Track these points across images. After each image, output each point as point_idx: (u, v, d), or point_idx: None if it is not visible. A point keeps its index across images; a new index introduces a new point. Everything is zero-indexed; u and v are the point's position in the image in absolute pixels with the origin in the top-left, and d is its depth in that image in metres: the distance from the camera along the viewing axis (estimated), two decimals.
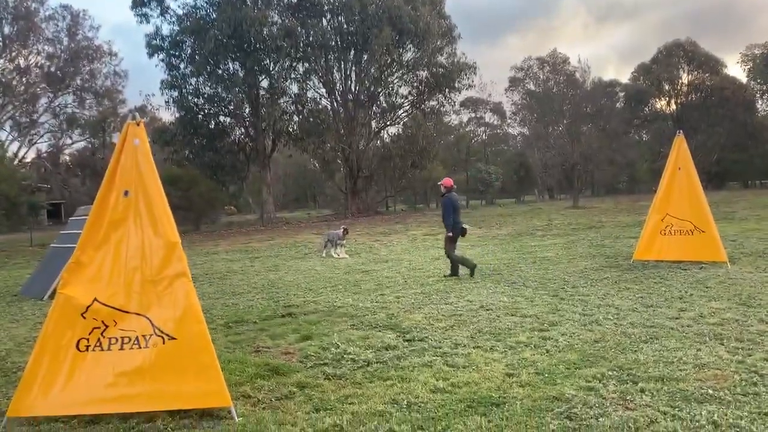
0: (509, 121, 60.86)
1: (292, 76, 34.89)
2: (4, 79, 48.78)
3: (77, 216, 11.93)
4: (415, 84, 38.21)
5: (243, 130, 37.10)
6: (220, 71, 33.77)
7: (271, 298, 9.71)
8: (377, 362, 5.66)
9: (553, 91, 52.82)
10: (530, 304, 8.03)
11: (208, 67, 32.91)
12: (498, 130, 63.15)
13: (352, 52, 35.93)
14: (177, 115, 34.75)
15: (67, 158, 59.70)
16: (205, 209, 30.89)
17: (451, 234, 10.97)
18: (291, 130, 36.84)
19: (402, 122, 39.98)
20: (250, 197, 40.63)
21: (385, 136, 41.86)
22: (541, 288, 9.27)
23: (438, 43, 36.37)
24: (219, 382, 4.47)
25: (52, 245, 12.11)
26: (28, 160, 54.53)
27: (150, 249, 4.79)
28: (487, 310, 7.82)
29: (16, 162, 51.79)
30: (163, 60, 34.66)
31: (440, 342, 6.30)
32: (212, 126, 35.70)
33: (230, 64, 34.14)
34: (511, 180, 53.93)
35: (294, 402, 4.71)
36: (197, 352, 4.57)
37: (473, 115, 58.85)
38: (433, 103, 39.47)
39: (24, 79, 48.62)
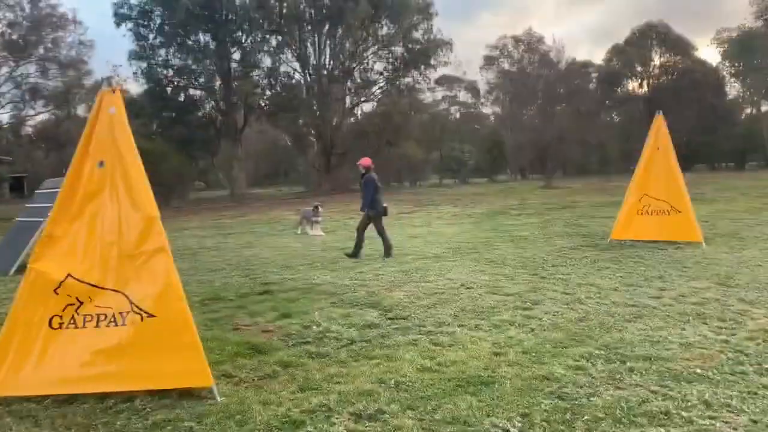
0: (483, 100, 60.93)
1: (265, 48, 34.26)
2: None
3: (44, 189, 11.51)
4: (391, 60, 37.87)
5: (214, 104, 36.42)
6: (190, 42, 33.00)
7: (247, 275, 9.52)
8: (361, 341, 5.55)
9: (527, 71, 52.88)
10: (511, 283, 7.99)
11: (177, 38, 32.11)
12: (472, 109, 63.16)
13: (327, 25, 35.33)
14: (145, 86, 33.87)
15: (30, 130, 57.80)
16: (174, 184, 30.32)
17: (371, 213, 10.81)
18: (263, 104, 36.24)
19: (377, 99, 39.70)
20: (220, 173, 39.93)
21: (360, 112, 41.57)
22: (520, 267, 9.25)
23: (414, 18, 36.01)
24: (200, 360, 4.29)
25: (17, 219, 11.70)
26: None
27: (127, 223, 4.56)
28: (469, 288, 7.76)
29: None
30: (131, 30, 33.67)
31: (424, 320, 6.21)
32: (182, 99, 34.95)
33: (201, 36, 33.37)
34: (485, 159, 54.07)
35: (278, 381, 4.58)
36: (177, 329, 4.38)
37: (448, 93, 58.72)
38: (408, 79, 39.25)
39: None
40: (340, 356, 5.12)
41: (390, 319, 6.35)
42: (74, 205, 4.63)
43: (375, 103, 40.08)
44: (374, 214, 10.81)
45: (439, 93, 56.74)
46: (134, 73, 33.48)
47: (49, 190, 11.29)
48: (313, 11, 34.86)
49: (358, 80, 38.15)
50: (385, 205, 11.07)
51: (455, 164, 49.87)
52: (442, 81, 53.03)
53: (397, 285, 8.15)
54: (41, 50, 50.26)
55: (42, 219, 10.87)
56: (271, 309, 7.05)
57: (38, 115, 55.38)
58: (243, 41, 33.20)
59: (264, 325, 6.36)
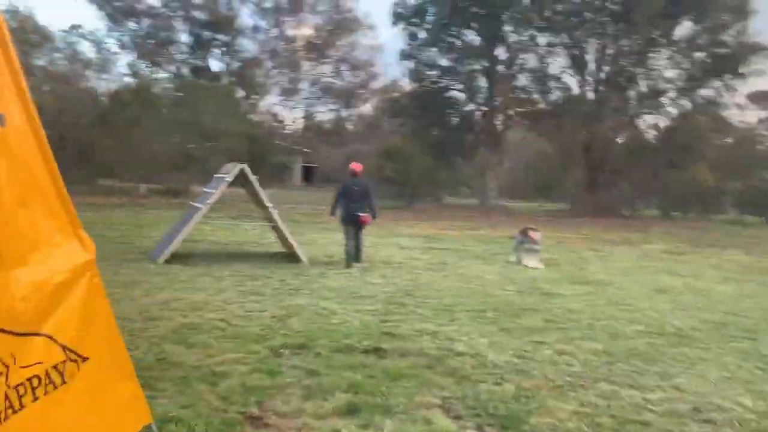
0: None
1: (533, 48, 31.12)
2: (278, 48, 52.82)
3: (218, 174, 10.49)
4: (686, 67, 31.52)
5: (474, 107, 34.50)
6: (456, 41, 31.51)
7: (383, 313, 6.98)
8: None
9: None
10: None
11: (443, 35, 30.86)
12: None
13: (609, 23, 30.69)
14: (411, 86, 33.50)
15: (323, 125, 62.93)
16: (420, 186, 29.06)
17: (335, 220, 10.75)
18: (527, 109, 33.21)
19: (664, 111, 33.61)
20: (474, 180, 38.04)
21: (642, 126, 35.77)
22: None
23: (724, 17, 29.33)
24: None
25: (190, 203, 10.92)
26: (288, 123, 58.94)
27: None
28: (709, 422, 4.16)
29: (278, 124, 56.39)
30: (404, 29, 33.51)
31: None
32: (442, 100, 33.74)
33: (467, 34, 31.68)
34: None
35: None
36: None
37: (764, 114, 48.25)
38: (707, 91, 32.38)
39: (289, 47, 52.02)
40: None
41: None
42: None
43: (660, 117, 34.04)
44: (340, 220, 10.54)
45: (752, 112, 46.82)
46: (402, 73, 33.37)
47: (221, 175, 10.21)
48: (594, 6, 30.49)
49: (642, 89, 32.65)
50: (360, 214, 10.35)
51: (762, 198, 40.31)
52: (757, 97, 43.53)
53: (576, 384, 4.85)
54: (337, 52, 54.56)
55: (201, 206, 9.82)
56: (348, 387, 4.47)
57: (327, 113, 60.44)
58: (511, 40, 30.69)
59: (299, 424, 3.82)
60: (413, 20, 32.99)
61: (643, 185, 35.93)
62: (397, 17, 33.47)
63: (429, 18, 32.54)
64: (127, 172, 27.04)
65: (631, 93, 33.30)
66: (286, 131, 58.88)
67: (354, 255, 10.52)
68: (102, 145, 24.87)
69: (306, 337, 5.74)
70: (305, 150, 58.16)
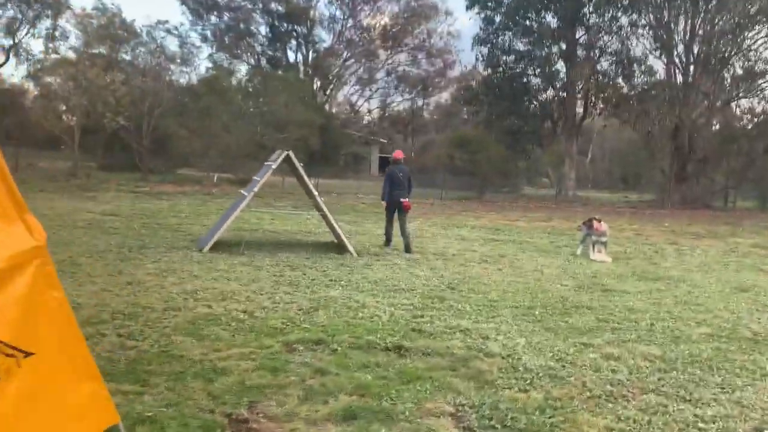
0: None
1: (614, 29, 29.30)
2: (354, 38, 52.72)
3: (268, 161, 10.31)
4: None
5: (552, 92, 33.02)
6: (533, 24, 30.15)
7: (418, 308, 6.54)
8: None
9: None
10: None
11: (518, 18, 29.60)
12: None
13: (700, 2, 28.45)
14: (484, 72, 32.44)
15: (399, 114, 62.49)
16: (491, 176, 28.10)
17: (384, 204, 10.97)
18: (609, 94, 31.38)
19: (762, 95, 30.98)
20: (549, 169, 36.53)
21: (737, 111, 33.15)
22: None
23: None
24: None
25: (241, 191, 10.81)
26: (363, 113, 58.96)
27: None
28: None
29: (354, 115, 56.51)
30: (478, 13, 32.45)
31: None
32: (518, 86, 32.46)
33: (544, 15, 30.24)
34: None
35: None
36: None
37: None
38: None
39: (365, 37, 51.79)
40: None
41: None
42: None
43: (757, 100, 31.35)
44: (386, 204, 10.84)
45: None
46: (476, 59, 32.36)
47: (270, 163, 10.03)
48: None
49: (738, 71, 30.17)
50: (403, 200, 10.69)
51: None
52: None
53: (617, 395, 4.27)
54: (413, 40, 53.81)
55: (246, 194, 9.68)
56: (352, 390, 4.10)
57: (402, 102, 59.94)
58: (589, 21, 29.05)
59: (285, 428, 3.49)
60: (488, 3, 31.88)
61: (737, 175, 33.37)
62: (473, 1, 32.46)
63: (505, 1, 31.34)
64: (202, 162, 27.72)
65: (725, 76, 30.86)
66: (362, 122, 58.96)
67: (405, 246, 10.62)
68: (178, 136, 25.58)
69: (326, 331, 5.38)
70: (381, 140, 57.97)
